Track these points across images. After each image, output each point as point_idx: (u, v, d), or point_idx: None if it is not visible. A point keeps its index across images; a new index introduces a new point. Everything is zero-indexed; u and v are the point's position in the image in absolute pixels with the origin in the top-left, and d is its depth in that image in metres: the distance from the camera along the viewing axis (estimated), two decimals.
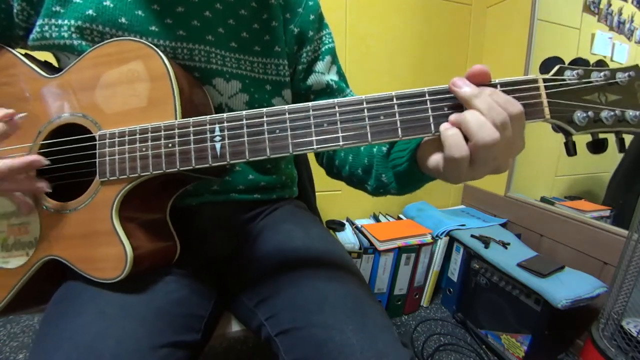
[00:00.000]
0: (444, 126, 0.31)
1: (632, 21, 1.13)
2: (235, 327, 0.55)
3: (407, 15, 1.32)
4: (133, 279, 0.38)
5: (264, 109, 0.34)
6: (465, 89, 0.30)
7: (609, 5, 1.13)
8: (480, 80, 0.31)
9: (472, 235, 1.15)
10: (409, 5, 1.31)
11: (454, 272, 1.22)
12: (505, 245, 1.11)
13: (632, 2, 1.12)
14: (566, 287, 0.87)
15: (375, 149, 0.46)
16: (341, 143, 0.33)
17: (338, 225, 1.24)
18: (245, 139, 0.34)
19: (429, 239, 1.17)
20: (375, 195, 0.48)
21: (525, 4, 1.21)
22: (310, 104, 0.34)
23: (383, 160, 0.43)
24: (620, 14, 1.13)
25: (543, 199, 1.25)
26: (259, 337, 0.45)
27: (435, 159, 0.33)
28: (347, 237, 1.18)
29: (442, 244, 1.21)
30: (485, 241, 1.11)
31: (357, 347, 0.37)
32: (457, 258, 1.21)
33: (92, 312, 0.36)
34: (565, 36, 1.19)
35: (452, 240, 1.22)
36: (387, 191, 0.45)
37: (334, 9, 1.21)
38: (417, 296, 1.24)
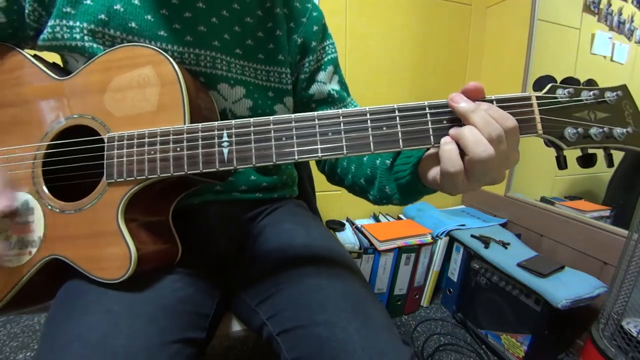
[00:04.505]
0: (444, 140, 0.33)
1: (632, 21, 1.13)
2: (235, 326, 0.56)
3: (407, 15, 1.32)
4: (138, 278, 0.38)
5: (271, 117, 0.35)
6: (463, 104, 0.32)
7: (609, 5, 1.13)
8: (475, 96, 0.33)
9: (472, 235, 1.16)
10: (409, 5, 1.31)
11: (454, 272, 1.23)
12: (505, 245, 1.11)
13: (632, 2, 1.13)
14: (566, 287, 0.87)
15: (378, 161, 0.47)
16: (345, 152, 0.34)
17: (338, 225, 1.24)
18: (253, 145, 0.35)
19: (429, 239, 1.17)
20: (377, 204, 0.50)
21: (525, 4, 1.21)
22: (316, 113, 0.35)
23: (386, 172, 0.45)
24: (620, 14, 1.13)
25: (543, 199, 1.25)
26: (260, 336, 0.46)
27: (434, 172, 0.36)
28: (347, 237, 1.18)
29: (442, 244, 1.21)
30: (485, 241, 1.11)
31: (359, 345, 0.37)
32: (457, 258, 1.21)
33: (99, 310, 0.37)
34: (565, 36, 1.19)
35: (452, 240, 1.22)
36: (390, 201, 0.46)
37: (334, 10, 1.21)
38: (417, 296, 1.25)
